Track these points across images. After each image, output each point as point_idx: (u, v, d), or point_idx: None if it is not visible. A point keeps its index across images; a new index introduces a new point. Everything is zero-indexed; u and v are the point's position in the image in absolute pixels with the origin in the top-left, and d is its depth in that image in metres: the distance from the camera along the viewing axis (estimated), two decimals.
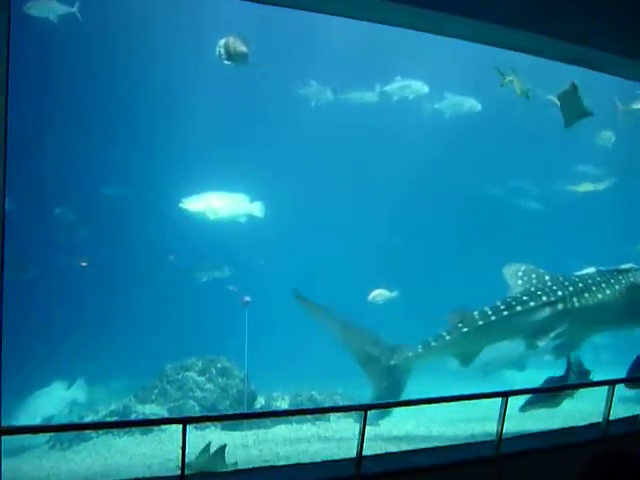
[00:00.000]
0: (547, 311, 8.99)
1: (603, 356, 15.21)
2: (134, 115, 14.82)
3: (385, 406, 7.78)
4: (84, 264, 13.69)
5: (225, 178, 12.48)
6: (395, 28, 7.32)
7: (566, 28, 7.29)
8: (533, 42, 7.58)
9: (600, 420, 7.10)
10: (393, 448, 7.37)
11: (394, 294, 13.27)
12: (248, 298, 10.36)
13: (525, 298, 9.08)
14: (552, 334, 8.87)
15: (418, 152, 16.54)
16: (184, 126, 15.09)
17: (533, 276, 9.53)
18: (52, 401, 10.56)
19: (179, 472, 5.14)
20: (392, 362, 8.95)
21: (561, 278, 9.46)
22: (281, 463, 6.96)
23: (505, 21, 7.02)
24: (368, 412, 5.68)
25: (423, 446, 6.86)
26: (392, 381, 8.94)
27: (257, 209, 12.05)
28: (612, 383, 7.06)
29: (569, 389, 7.86)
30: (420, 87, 14.54)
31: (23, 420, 9.54)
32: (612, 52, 7.82)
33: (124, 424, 9.79)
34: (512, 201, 18.53)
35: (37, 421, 9.69)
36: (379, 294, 13.19)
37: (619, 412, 7.40)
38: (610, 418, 7.01)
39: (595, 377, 8.19)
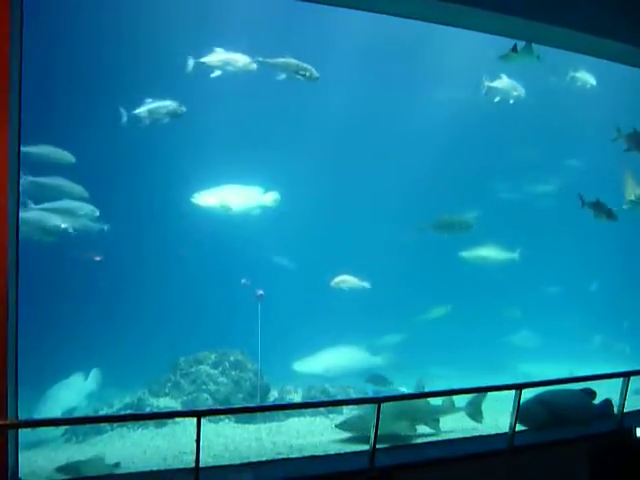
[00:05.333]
0: None
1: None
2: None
3: (398, 398, 7.77)
4: (98, 258, 13.76)
5: (238, 171, 12.50)
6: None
7: (583, 19, 7.26)
8: (550, 33, 7.56)
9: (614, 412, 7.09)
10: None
11: (364, 284, 13.05)
12: (261, 291, 10.38)
13: None
14: None
15: (432, 146, 16.51)
16: (196, 122, 15.11)
17: None
18: (71, 393, 10.65)
19: (194, 464, 5.20)
20: None
21: None
22: (294, 456, 6.98)
23: (522, 13, 7.00)
24: None
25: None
26: None
27: (271, 201, 12.06)
28: (627, 375, 7.03)
29: (581, 381, 7.83)
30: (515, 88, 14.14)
31: (44, 412, 9.65)
32: (630, 44, 7.77)
33: (139, 417, 9.85)
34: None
35: (58, 413, 9.79)
36: (343, 280, 13.00)
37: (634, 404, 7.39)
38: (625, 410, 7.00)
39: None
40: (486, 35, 8.15)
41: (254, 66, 11.28)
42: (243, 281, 11.48)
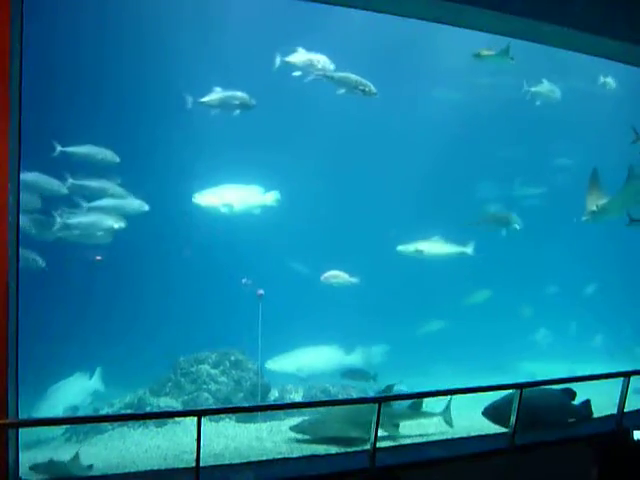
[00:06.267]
0: None
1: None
2: (143, 113, 14.87)
3: (398, 398, 7.77)
4: (99, 258, 13.75)
5: (238, 171, 12.50)
6: None
7: (580, 17, 7.25)
8: (547, 32, 7.54)
9: (614, 412, 7.08)
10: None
11: (353, 280, 13.07)
12: (262, 291, 10.38)
13: None
14: None
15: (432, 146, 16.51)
16: (197, 121, 15.10)
17: None
18: (72, 393, 10.65)
19: (194, 464, 5.19)
20: None
21: None
22: (295, 455, 6.98)
23: (522, 12, 6.99)
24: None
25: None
26: None
27: (271, 200, 12.06)
28: (628, 375, 7.02)
29: (581, 380, 7.82)
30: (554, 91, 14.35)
31: (45, 412, 9.65)
32: (629, 41, 7.76)
33: (139, 416, 9.86)
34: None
35: (58, 412, 9.79)
36: (333, 275, 13.04)
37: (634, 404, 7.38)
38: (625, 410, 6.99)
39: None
40: (478, 34, 8.18)
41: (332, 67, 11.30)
42: (244, 281, 11.48)
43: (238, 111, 11.70)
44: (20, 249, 5.27)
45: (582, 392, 8.03)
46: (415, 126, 16.58)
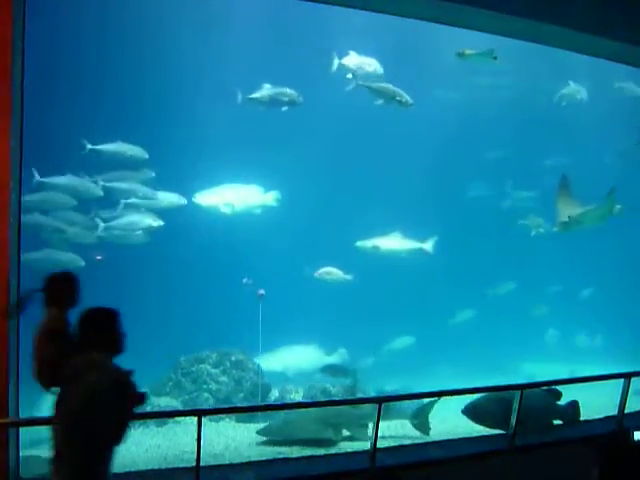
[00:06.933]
0: None
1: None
2: (145, 111, 14.87)
3: (399, 398, 7.76)
4: (99, 258, 13.74)
5: (238, 171, 12.51)
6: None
7: (582, 19, 7.25)
8: (549, 33, 7.55)
9: (615, 413, 7.07)
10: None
11: (348, 277, 13.04)
12: (262, 291, 10.38)
13: None
14: None
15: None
16: (195, 122, 15.11)
17: None
18: None
19: (194, 463, 5.20)
20: None
21: None
22: (295, 455, 6.97)
23: (521, 12, 7.00)
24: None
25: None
26: None
27: (271, 200, 12.07)
28: (628, 376, 7.02)
29: (582, 381, 7.83)
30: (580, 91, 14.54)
31: (46, 411, 9.62)
32: (628, 42, 7.77)
33: (140, 416, 9.82)
34: None
35: None
36: (327, 272, 13.03)
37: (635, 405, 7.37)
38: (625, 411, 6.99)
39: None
40: (475, 34, 8.19)
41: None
42: (244, 280, 11.48)
43: (286, 108, 11.76)
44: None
45: (583, 393, 8.04)
46: (415, 126, 16.55)
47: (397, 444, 6.88)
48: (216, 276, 14.88)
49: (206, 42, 15.29)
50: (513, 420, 6.47)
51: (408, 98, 11.20)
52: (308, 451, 7.18)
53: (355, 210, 15.85)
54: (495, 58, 9.90)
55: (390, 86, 11.23)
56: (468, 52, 10.05)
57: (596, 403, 8.35)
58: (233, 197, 11.94)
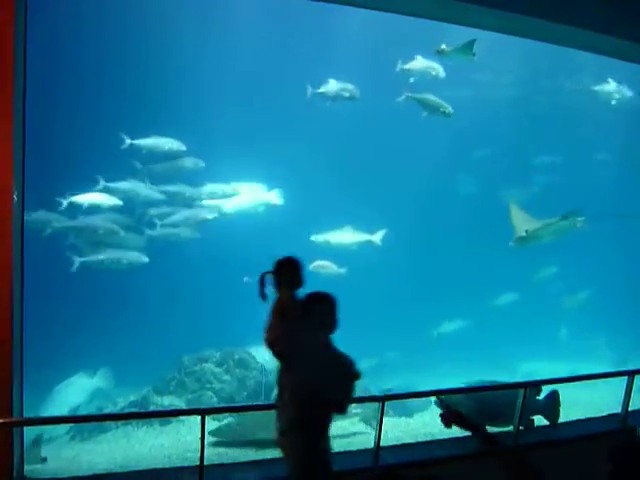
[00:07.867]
0: None
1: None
2: (145, 111, 14.89)
3: (402, 397, 7.75)
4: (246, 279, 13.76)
5: (239, 170, 12.51)
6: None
7: (589, 17, 7.23)
8: (556, 32, 7.52)
9: (619, 411, 7.06)
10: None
11: (341, 270, 13.00)
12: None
13: None
14: None
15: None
16: (199, 120, 15.11)
17: None
18: (76, 391, 10.69)
19: (198, 463, 5.20)
20: None
21: None
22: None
23: (527, 11, 6.97)
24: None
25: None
26: None
27: (274, 198, 12.08)
28: (632, 374, 7.01)
29: (584, 379, 7.81)
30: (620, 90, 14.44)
31: (50, 410, 9.66)
32: (635, 40, 7.74)
33: (143, 415, 9.88)
34: None
35: (63, 411, 9.82)
36: (321, 265, 12.93)
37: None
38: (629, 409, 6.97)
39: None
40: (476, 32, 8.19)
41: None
42: (245, 279, 11.48)
43: (346, 102, 12.06)
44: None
45: (584, 393, 8.05)
46: (414, 126, 16.55)
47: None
48: (219, 275, 14.89)
49: (206, 42, 15.33)
50: (516, 418, 6.48)
51: (450, 109, 11.30)
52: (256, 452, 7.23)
53: (355, 210, 15.88)
54: (474, 54, 9.85)
55: (434, 98, 11.34)
56: (447, 49, 9.98)
57: (599, 402, 8.35)
58: (236, 195, 11.98)
